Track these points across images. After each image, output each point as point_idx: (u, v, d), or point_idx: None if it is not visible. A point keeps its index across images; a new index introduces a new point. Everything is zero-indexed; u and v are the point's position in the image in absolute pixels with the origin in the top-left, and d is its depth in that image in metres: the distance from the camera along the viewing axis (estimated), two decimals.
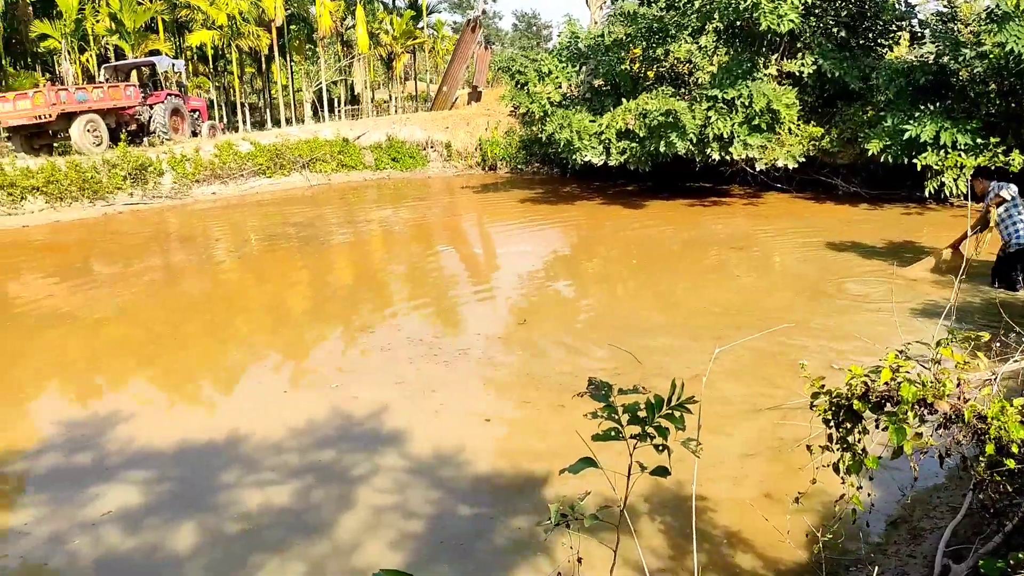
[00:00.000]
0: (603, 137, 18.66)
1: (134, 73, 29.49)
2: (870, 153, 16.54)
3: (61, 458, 6.50)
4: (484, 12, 40.51)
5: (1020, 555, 3.01)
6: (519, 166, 27.67)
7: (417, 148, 29.02)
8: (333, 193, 24.69)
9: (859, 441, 3.81)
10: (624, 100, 18.92)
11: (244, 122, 48.46)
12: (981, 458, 3.59)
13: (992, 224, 9.98)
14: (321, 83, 51.82)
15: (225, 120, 48.00)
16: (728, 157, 17.91)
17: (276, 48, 44.64)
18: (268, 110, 52.99)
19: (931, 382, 3.61)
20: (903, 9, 19.26)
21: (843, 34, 19.07)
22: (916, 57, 18.90)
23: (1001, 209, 9.84)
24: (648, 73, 21.22)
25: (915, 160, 15.87)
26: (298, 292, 12.81)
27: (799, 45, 18.79)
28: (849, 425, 3.80)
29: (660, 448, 2.65)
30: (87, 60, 41.41)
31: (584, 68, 21.91)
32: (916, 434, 3.54)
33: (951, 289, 7.82)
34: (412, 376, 7.99)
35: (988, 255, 10.23)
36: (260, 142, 26.49)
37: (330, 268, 14.65)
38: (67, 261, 15.58)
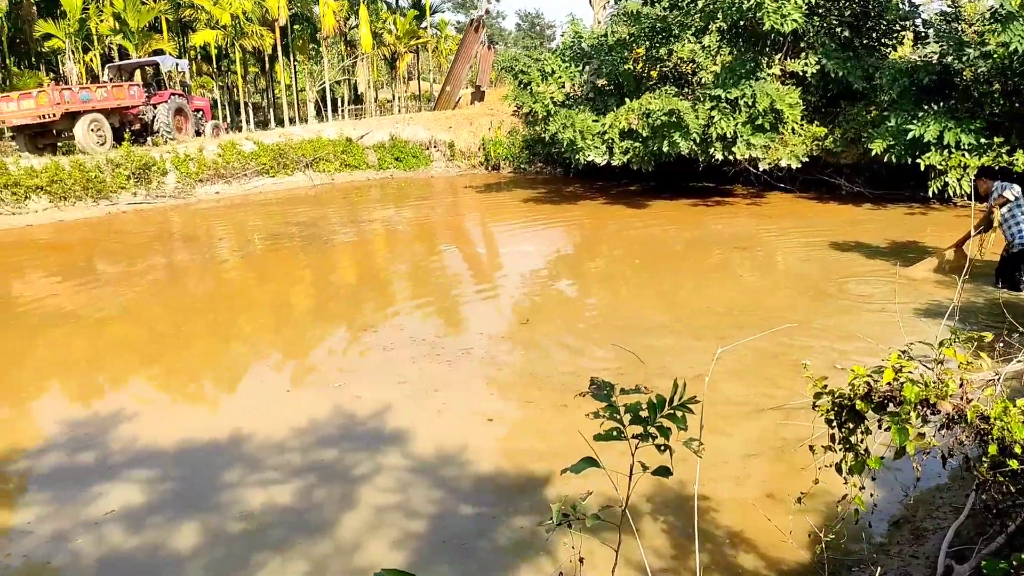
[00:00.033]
0: (606, 137, 18.65)
1: (138, 73, 29.56)
2: (874, 153, 16.53)
3: (64, 457, 6.51)
4: (487, 12, 40.44)
5: (1023, 556, 3.01)
6: (522, 166, 27.66)
7: (420, 148, 29.04)
8: (336, 193, 24.71)
9: (862, 441, 3.80)
10: (627, 100, 18.92)
11: (248, 122, 48.53)
12: (984, 459, 3.59)
13: (995, 224, 9.97)
14: (324, 83, 51.89)
15: (228, 120, 48.06)
16: (731, 157, 17.90)
17: (280, 48, 44.71)
18: (271, 110, 53.09)
19: (934, 382, 3.61)
20: (907, 9, 19.21)
21: (847, 34, 19.04)
22: (920, 57, 18.88)
23: (1004, 209, 9.82)
24: (651, 73, 21.23)
25: (919, 160, 15.84)
26: (301, 291, 12.82)
27: (803, 45, 18.77)
28: (852, 425, 3.79)
29: (662, 448, 2.65)
30: (91, 60, 41.48)
31: (587, 68, 21.91)
32: (919, 435, 3.54)
33: (954, 289, 7.80)
34: (415, 375, 7.99)
35: (992, 255, 10.22)
36: (263, 142, 26.52)
37: (333, 267, 14.66)
38: (71, 260, 15.60)
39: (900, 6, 18.99)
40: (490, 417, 6.99)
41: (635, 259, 13.90)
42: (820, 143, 18.22)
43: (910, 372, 3.66)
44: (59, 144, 25.41)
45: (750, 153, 17.55)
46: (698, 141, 17.60)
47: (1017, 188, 9.85)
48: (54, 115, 23.19)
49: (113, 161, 22.48)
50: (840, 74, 17.66)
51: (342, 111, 56.31)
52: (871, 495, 4.40)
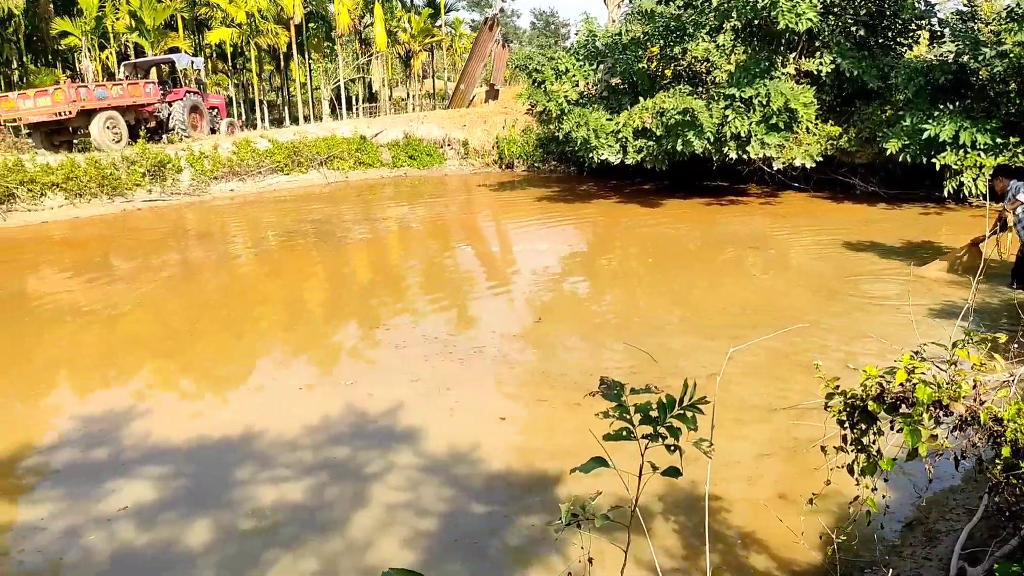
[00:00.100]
0: (620, 136, 18.62)
1: (153, 70, 29.66)
2: (888, 152, 16.45)
3: (77, 453, 6.55)
4: (502, 10, 40.43)
5: None
6: (536, 164, 27.63)
7: (434, 146, 29.04)
8: (350, 190, 24.76)
9: (874, 442, 3.79)
10: (641, 99, 18.89)
11: (262, 119, 48.70)
12: (997, 460, 3.56)
13: (1010, 225, 9.91)
14: (339, 81, 51.99)
15: (243, 117, 48.25)
16: (745, 156, 17.84)
17: (294, 46, 44.85)
18: (286, 107, 53.26)
19: (947, 384, 3.59)
20: (922, 8, 19.09)
21: (862, 33, 18.96)
22: (935, 56, 18.76)
23: (1020, 210, 9.75)
24: (665, 72, 21.18)
25: (934, 160, 15.75)
26: (314, 288, 12.86)
27: (817, 44, 18.70)
28: (864, 426, 3.78)
29: (671, 449, 2.65)
30: (107, 57, 41.68)
31: (601, 66, 21.87)
32: (931, 436, 3.52)
33: (969, 289, 7.76)
34: (427, 374, 8.00)
35: (1011, 256, 10.16)
36: (278, 139, 26.59)
37: (346, 265, 14.69)
38: (86, 257, 15.69)
39: (916, 5, 18.88)
40: (502, 416, 6.99)
41: (648, 258, 13.88)
42: (835, 142, 18.14)
43: (923, 373, 3.64)
44: (75, 141, 25.54)
45: (764, 152, 17.49)
46: (712, 140, 17.55)
47: None
48: (70, 112, 23.32)
49: (128, 158, 22.58)
50: (855, 73, 17.58)
51: (356, 109, 56.41)
52: (883, 496, 4.38)
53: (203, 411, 7.61)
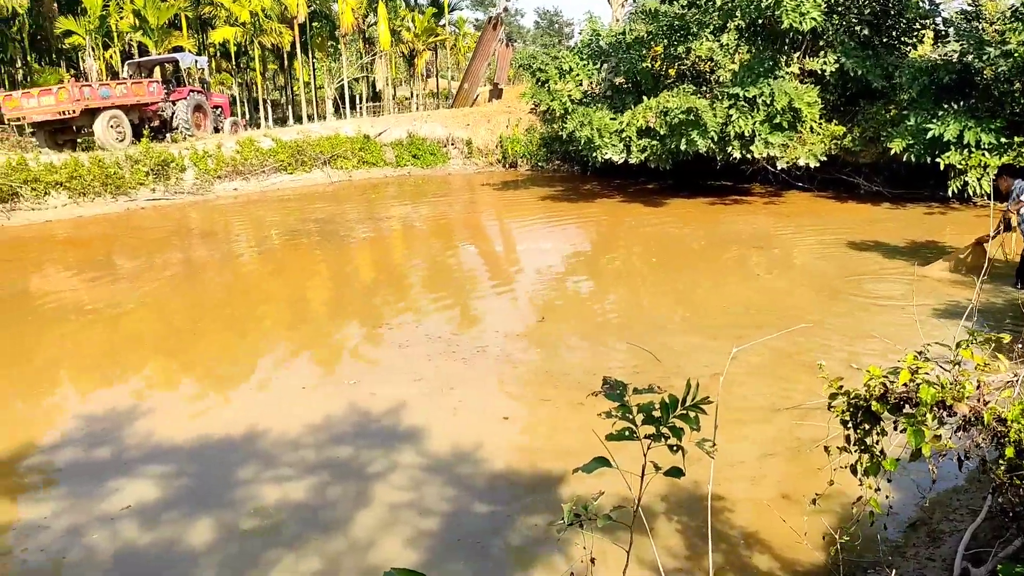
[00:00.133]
0: (624, 135, 18.62)
1: (157, 69, 29.67)
2: (893, 152, 16.44)
3: (80, 452, 6.56)
4: (506, 9, 40.44)
5: None
6: (539, 163, 27.61)
7: (438, 145, 29.02)
8: (354, 189, 24.76)
9: (877, 443, 3.78)
10: (645, 98, 18.88)
11: (266, 119, 48.67)
12: (1001, 461, 3.55)
13: (1015, 225, 9.89)
14: (343, 80, 51.93)
15: (247, 116, 48.20)
16: (749, 155, 17.84)
17: (298, 45, 44.80)
18: (290, 107, 53.23)
19: (950, 384, 3.57)
20: (927, 7, 19.08)
21: (866, 32, 18.93)
22: (940, 56, 18.73)
23: None
24: (669, 71, 21.19)
25: (938, 159, 15.74)
26: (318, 287, 12.86)
27: (821, 43, 18.69)
28: (867, 426, 3.77)
29: (674, 449, 2.64)
30: (111, 56, 41.65)
31: (605, 66, 21.86)
32: (935, 436, 3.51)
33: (973, 289, 7.75)
34: (430, 373, 8.00)
35: (1015, 256, 10.15)
36: (282, 138, 26.60)
37: (350, 264, 14.69)
38: (89, 256, 15.71)
39: (920, 4, 18.87)
40: (505, 415, 6.99)
41: (652, 257, 13.87)
42: (839, 142, 18.14)
43: (926, 373, 3.62)
44: (79, 140, 25.54)
45: (768, 152, 17.48)
46: (716, 139, 17.55)
47: None
48: (74, 111, 23.36)
49: (132, 157, 22.58)
50: (859, 73, 17.57)
51: (360, 108, 56.38)
52: (887, 497, 4.37)
53: (206, 410, 7.62)
